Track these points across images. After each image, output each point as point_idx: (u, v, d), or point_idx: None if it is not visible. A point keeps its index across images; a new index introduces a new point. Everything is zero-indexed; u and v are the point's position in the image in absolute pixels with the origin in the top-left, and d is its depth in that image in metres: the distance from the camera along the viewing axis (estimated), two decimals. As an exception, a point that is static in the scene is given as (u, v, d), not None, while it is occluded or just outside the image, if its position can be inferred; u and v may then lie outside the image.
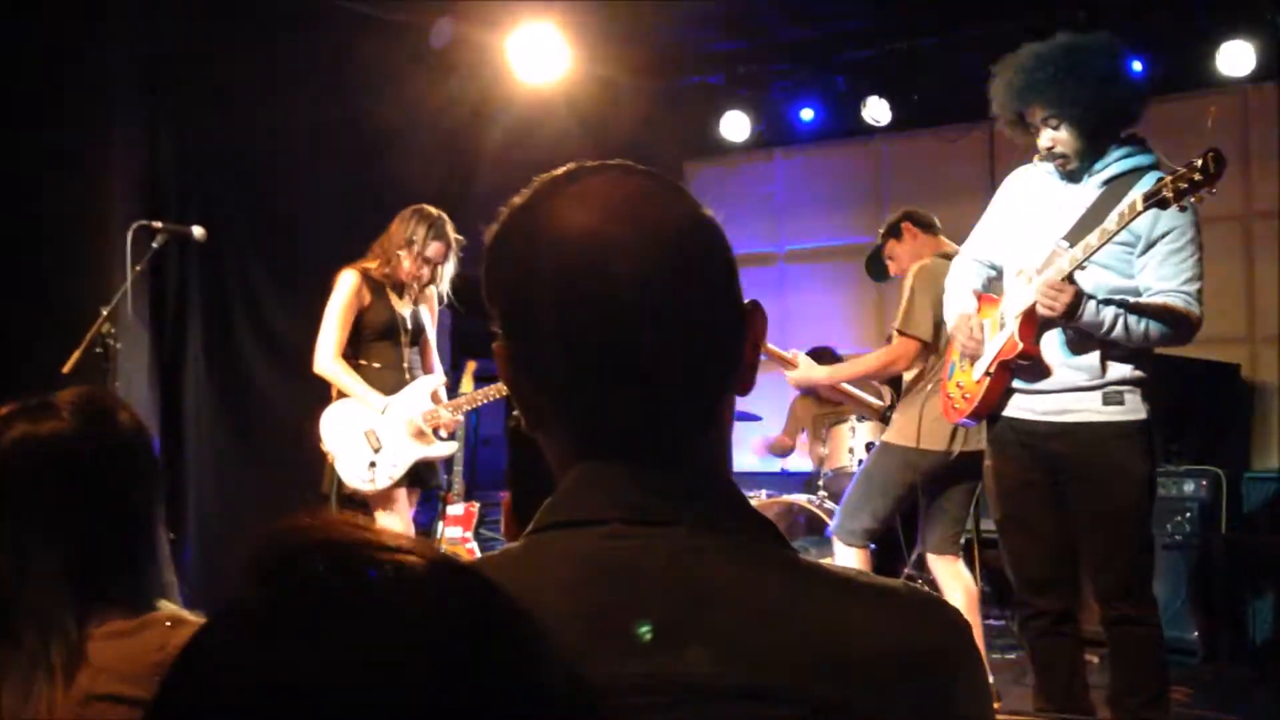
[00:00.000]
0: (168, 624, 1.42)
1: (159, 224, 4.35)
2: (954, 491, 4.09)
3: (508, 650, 0.54)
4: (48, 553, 1.39)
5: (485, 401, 4.45)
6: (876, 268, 4.59)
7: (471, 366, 5.66)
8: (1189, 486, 4.87)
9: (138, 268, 4.26)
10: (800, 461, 6.26)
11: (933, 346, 4.06)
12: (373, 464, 4.28)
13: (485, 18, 5.99)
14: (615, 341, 0.85)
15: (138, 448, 1.50)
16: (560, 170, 0.91)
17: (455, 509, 5.52)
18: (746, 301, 0.93)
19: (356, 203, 5.68)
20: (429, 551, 0.56)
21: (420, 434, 4.29)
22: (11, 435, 1.41)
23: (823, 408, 5.87)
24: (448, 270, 4.35)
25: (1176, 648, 4.53)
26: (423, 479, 4.43)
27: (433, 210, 4.32)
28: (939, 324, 3.99)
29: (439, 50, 6.05)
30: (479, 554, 5.34)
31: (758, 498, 5.43)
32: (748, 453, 6.85)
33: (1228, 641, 4.72)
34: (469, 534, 5.51)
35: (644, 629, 0.80)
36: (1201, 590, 4.74)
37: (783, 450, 6.22)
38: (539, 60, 6.11)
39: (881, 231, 4.51)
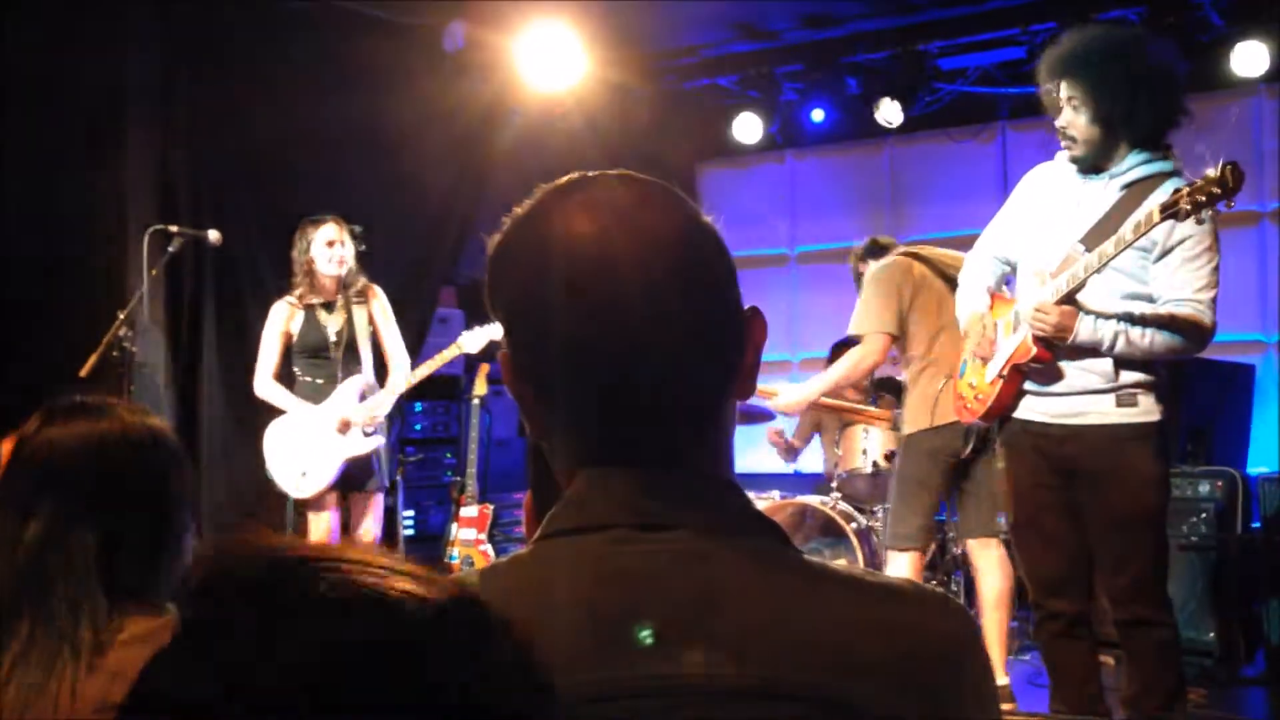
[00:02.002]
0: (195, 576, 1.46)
1: (174, 228, 4.39)
2: (980, 470, 4.09)
3: (453, 655, 0.55)
4: (89, 539, 1.48)
5: (406, 389, 4.79)
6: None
7: (484, 369, 5.67)
8: (1204, 488, 4.84)
9: (153, 271, 4.29)
10: (814, 463, 6.25)
11: (904, 339, 4.16)
12: (304, 473, 4.55)
13: (497, 21, 6.00)
14: (617, 349, 0.86)
15: (180, 457, 1.61)
16: (562, 180, 0.93)
17: (469, 511, 5.53)
18: (747, 308, 0.94)
19: (371, 205, 5.70)
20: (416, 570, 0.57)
21: (339, 433, 4.53)
22: (74, 429, 1.53)
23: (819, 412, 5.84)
24: (349, 251, 4.61)
25: (1192, 649, 4.51)
26: (357, 481, 4.61)
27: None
28: (902, 315, 4.12)
29: (451, 54, 6.06)
30: (493, 556, 5.35)
31: (771, 499, 5.42)
32: (762, 454, 6.84)
33: (1243, 642, 4.70)
34: (483, 535, 5.52)
35: (647, 633, 0.81)
36: (1217, 591, 4.72)
37: (786, 452, 6.18)
38: (551, 63, 6.12)
39: (855, 282, 4.65)
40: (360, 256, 4.71)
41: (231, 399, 5.42)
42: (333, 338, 4.62)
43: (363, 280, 4.69)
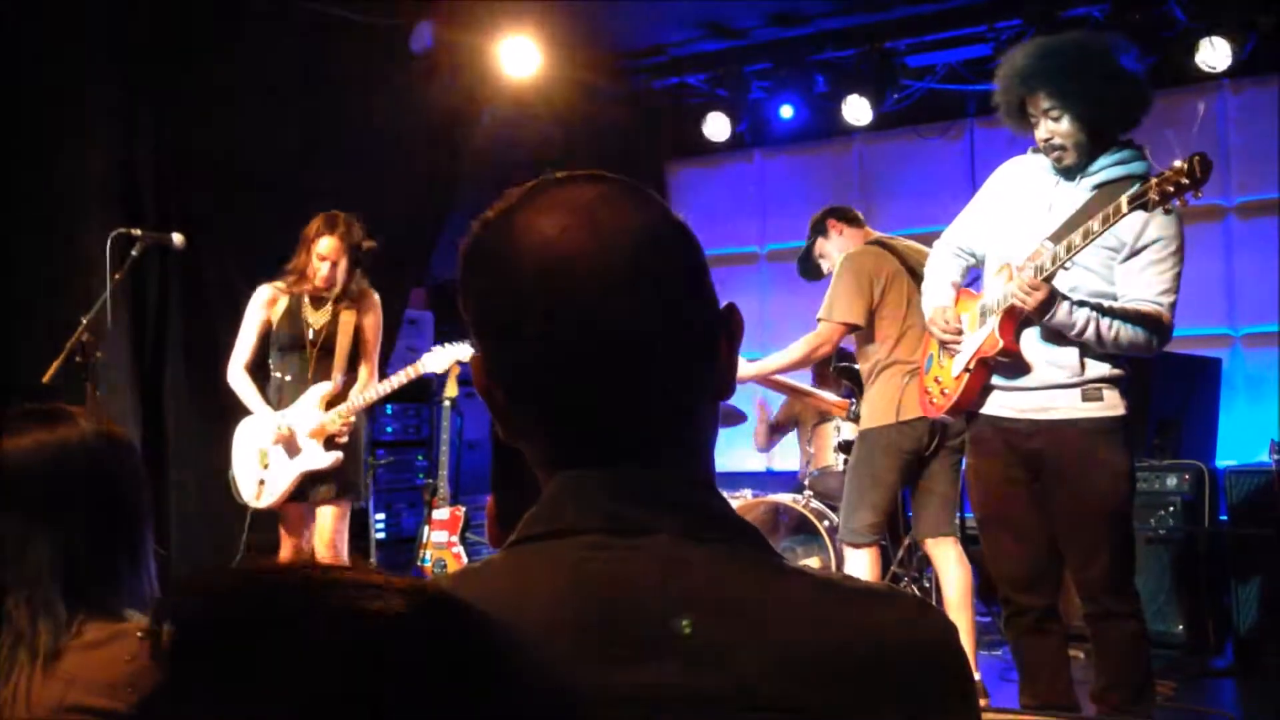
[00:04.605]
0: (140, 635, 1.45)
1: (138, 231, 4.32)
2: (936, 469, 4.10)
3: (459, 666, 0.54)
4: (47, 546, 1.47)
5: (373, 402, 4.47)
6: (809, 269, 4.68)
7: (455, 370, 5.64)
8: (1172, 480, 4.88)
9: (117, 276, 4.22)
10: (787, 461, 6.26)
11: (869, 331, 4.14)
12: (261, 481, 4.37)
13: (465, 22, 5.98)
14: (587, 351, 0.85)
15: (136, 464, 1.60)
16: (533, 181, 0.92)
17: (441, 513, 5.50)
18: (724, 305, 0.93)
19: (340, 207, 5.64)
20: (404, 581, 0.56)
21: (295, 447, 4.32)
22: (30, 437, 1.51)
23: (797, 403, 5.82)
24: (340, 271, 4.32)
25: (1161, 641, 4.54)
26: (318, 491, 4.36)
27: (338, 214, 4.34)
28: (870, 309, 4.10)
29: (420, 54, 6.03)
30: (465, 558, 5.32)
31: (743, 497, 5.42)
32: (734, 453, 6.84)
33: (1212, 634, 4.74)
34: (455, 538, 5.49)
35: (686, 623, 0.80)
36: (1186, 583, 4.76)
37: (764, 435, 6.11)
38: (520, 63, 6.11)
39: (809, 232, 4.58)
40: (368, 267, 4.43)
41: (198, 405, 5.37)
42: (311, 335, 4.36)
43: (362, 286, 4.43)
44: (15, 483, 1.49)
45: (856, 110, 6.40)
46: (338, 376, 4.40)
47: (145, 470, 1.63)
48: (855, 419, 4.55)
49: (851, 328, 4.17)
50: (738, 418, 5.70)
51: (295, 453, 4.36)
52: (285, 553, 4.37)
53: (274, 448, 4.36)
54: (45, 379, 3.86)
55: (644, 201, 0.91)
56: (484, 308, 0.90)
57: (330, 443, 4.35)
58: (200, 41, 5.27)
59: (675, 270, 0.89)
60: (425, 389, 6.47)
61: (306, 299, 4.38)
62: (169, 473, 5.24)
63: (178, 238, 4.40)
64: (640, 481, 0.87)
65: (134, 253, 4.29)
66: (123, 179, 5.13)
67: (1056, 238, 3.01)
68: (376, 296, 4.50)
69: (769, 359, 4.48)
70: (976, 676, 4.06)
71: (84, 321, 4.00)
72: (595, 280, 0.85)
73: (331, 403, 4.39)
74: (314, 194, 5.59)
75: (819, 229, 4.53)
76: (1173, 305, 3.02)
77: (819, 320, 4.22)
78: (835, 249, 4.45)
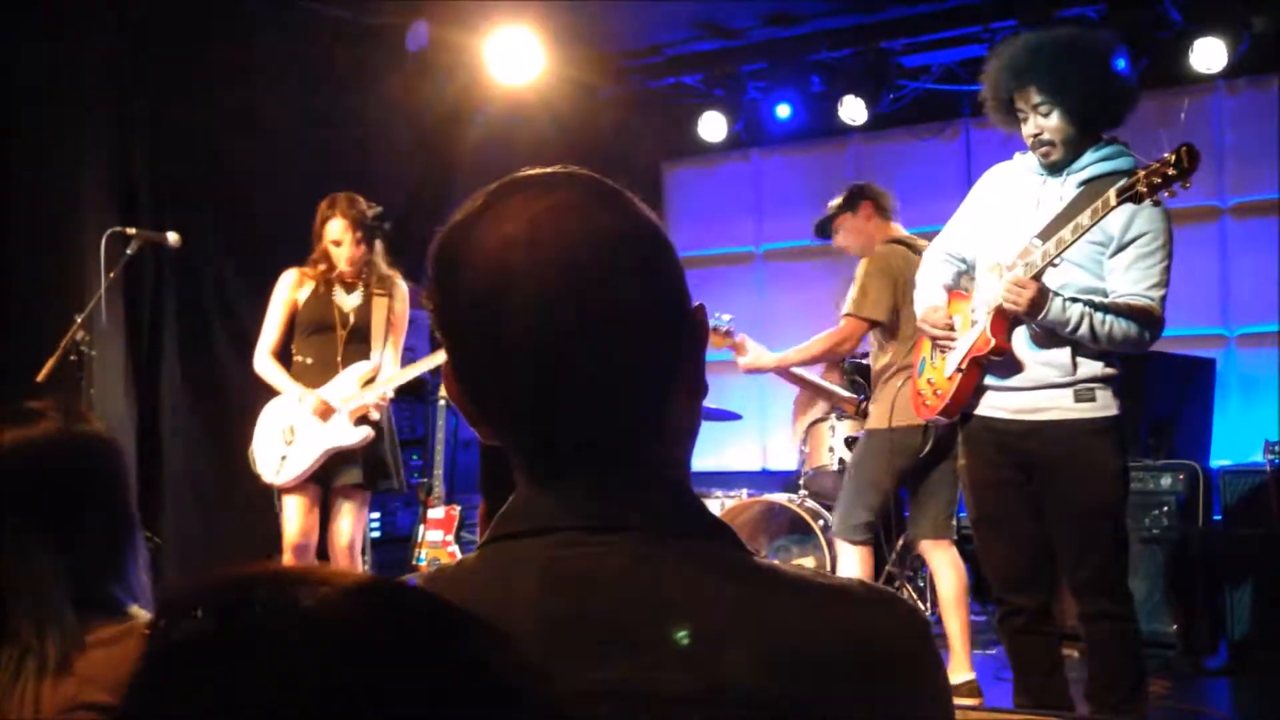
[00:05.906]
0: (148, 632, 1.43)
1: (133, 230, 4.32)
2: (938, 472, 4.11)
3: (456, 662, 0.54)
4: (47, 551, 1.44)
5: (405, 381, 4.37)
6: (824, 228, 4.65)
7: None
8: (1166, 481, 4.89)
9: (111, 275, 4.22)
10: (783, 460, 6.26)
11: (891, 330, 4.13)
12: (284, 458, 4.28)
13: (461, 21, 5.98)
14: (553, 353, 0.85)
15: (118, 453, 1.57)
16: (496, 184, 0.91)
17: (436, 512, 5.50)
18: (693, 306, 0.93)
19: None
20: (359, 577, 0.57)
21: (318, 417, 4.22)
22: (7, 439, 1.46)
23: (813, 401, 5.82)
24: (357, 248, 4.28)
25: (1155, 641, 4.55)
26: (340, 473, 4.30)
27: (335, 195, 4.30)
28: (896, 308, 4.09)
29: (415, 53, 6.03)
30: (460, 558, 5.32)
31: (739, 497, 5.43)
32: (729, 452, 6.85)
33: (1206, 634, 4.75)
34: (450, 537, 5.49)
35: (684, 634, 0.80)
36: (1179, 584, 4.76)
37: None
38: (515, 63, 6.11)
39: (839, 201, 4.52)
40: (387, 239, 4.38)
41: (193, 404, 5.37)
42: (342, 319, 4.29)
43: (392, 273, 4.39)
44: (3, 489, 1.45)
45: (852, 110, 6.41)
46: (376, 356, 4.33)
47: (128, 465, 1.59)
48: (863, 416, 4.55)
49: (874, 324, 4.16)
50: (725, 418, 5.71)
51: (325, 429, 4.26)
52: (292, 538, 4.31)
53: (301, 424, 4.26)
54: (40, 377, 3.86)
55: (612, 203, 0.90)
56: (442, 315, 0.90)
57: (362, 420, 4.27)
58: (196, 40, 5.27)
59: (646, 273, 0.88)
60: (421, 388, 6.46)
61: (338, 285, 4.33)
62: (164, 469, 5.24)
63: (173, 237, 4.40)
64: (612, 481, 0.87)
65: (129, 252, 4.29)
66: (119, 177, 5.13)
67: (1045, 235, 3.02)
68: (404, 284, 4.46)
69: (790, 351, 4.47)
70: (971, 676, 4.06)
71: (78, 320, 4.00)
72: (566, 285, 0.84)
73: (368, 384, 4.32)
74: (308, 193, 5.59)
75: (852, 204, 4.46)
76: (1163, 299, 3.01)
77: (844, 315, 4.20)
78: (854, 231, 4.42)
